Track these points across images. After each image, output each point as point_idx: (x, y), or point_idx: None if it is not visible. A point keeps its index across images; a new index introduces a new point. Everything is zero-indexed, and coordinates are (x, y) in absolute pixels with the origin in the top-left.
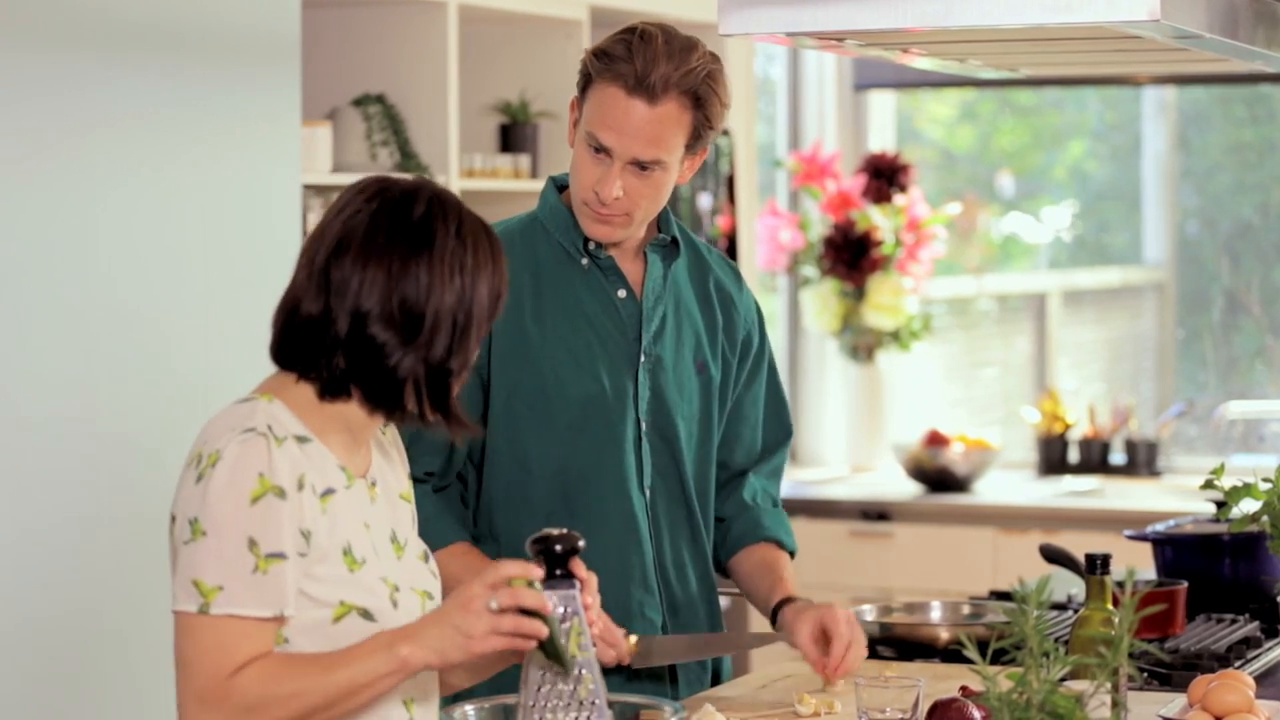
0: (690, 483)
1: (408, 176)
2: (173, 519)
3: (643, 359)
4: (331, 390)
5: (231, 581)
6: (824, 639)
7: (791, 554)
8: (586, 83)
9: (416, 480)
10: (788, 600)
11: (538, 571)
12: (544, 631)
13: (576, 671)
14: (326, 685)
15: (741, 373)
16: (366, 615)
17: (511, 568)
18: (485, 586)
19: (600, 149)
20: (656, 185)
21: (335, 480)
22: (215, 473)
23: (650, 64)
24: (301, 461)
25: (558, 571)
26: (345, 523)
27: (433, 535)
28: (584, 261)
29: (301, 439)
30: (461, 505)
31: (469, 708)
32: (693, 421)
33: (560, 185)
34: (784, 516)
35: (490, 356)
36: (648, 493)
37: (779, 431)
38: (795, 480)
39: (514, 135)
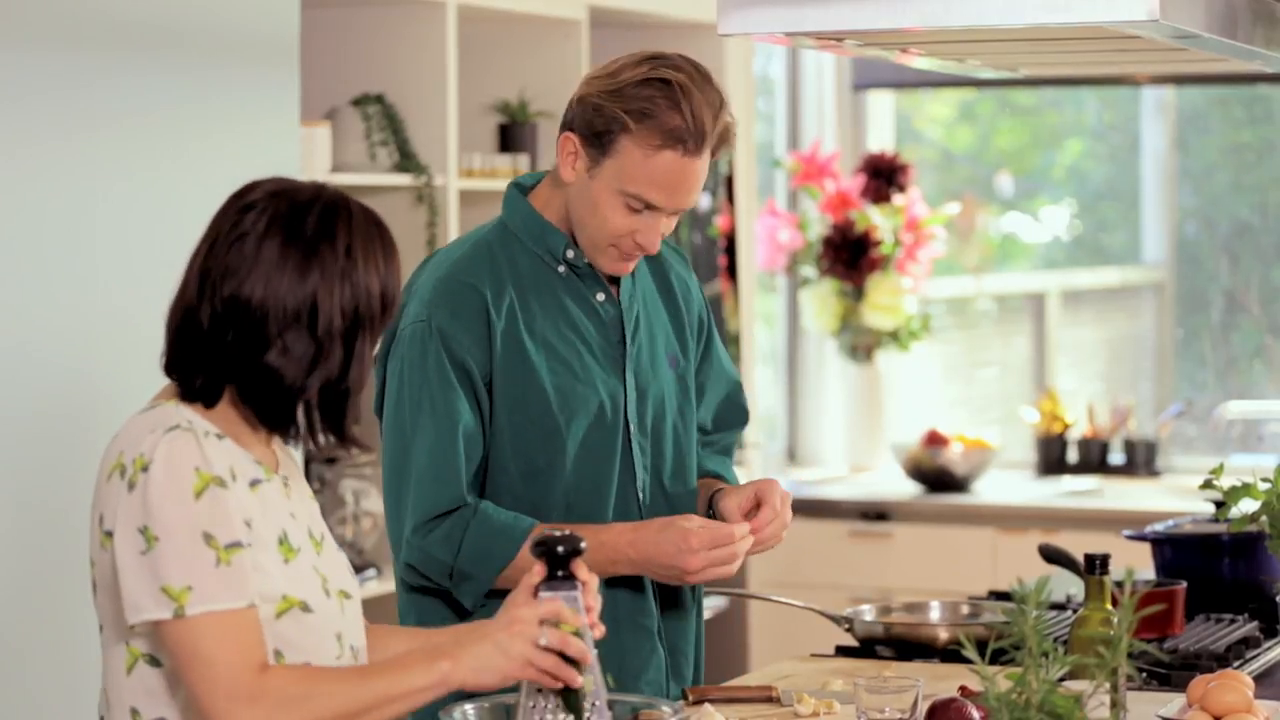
0: (671, 479)
1: (302, 183)
2: (108, 534)
3: (627, 361)
4: (210, 400)
5: (199, 579)
6: (754, 510)
7: None
8: (608, 132)
9: (457, 509)
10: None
11: (584, 620)
12: (578, 681)
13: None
14: (362, 692)
15: (698, 353)
16: (306, 608)
17: (565, 610)
18: (536, 616)
19: (648, 207)
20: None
21: (256, 472)
22: (150, 476)
23: (698, 120)
24: (226, 454)
25: (559, 573)
26: (275, 512)
27: (515, 537)
28: (561, 269)
29: (218, 435)
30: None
31: (468, 707)
32: (676, 417)
33: (524, 188)
34: (730, 466)
35: (493, 371)
36: (641, 493)
37: (734, 414)
38: (794, 480)
39: (513, 135)
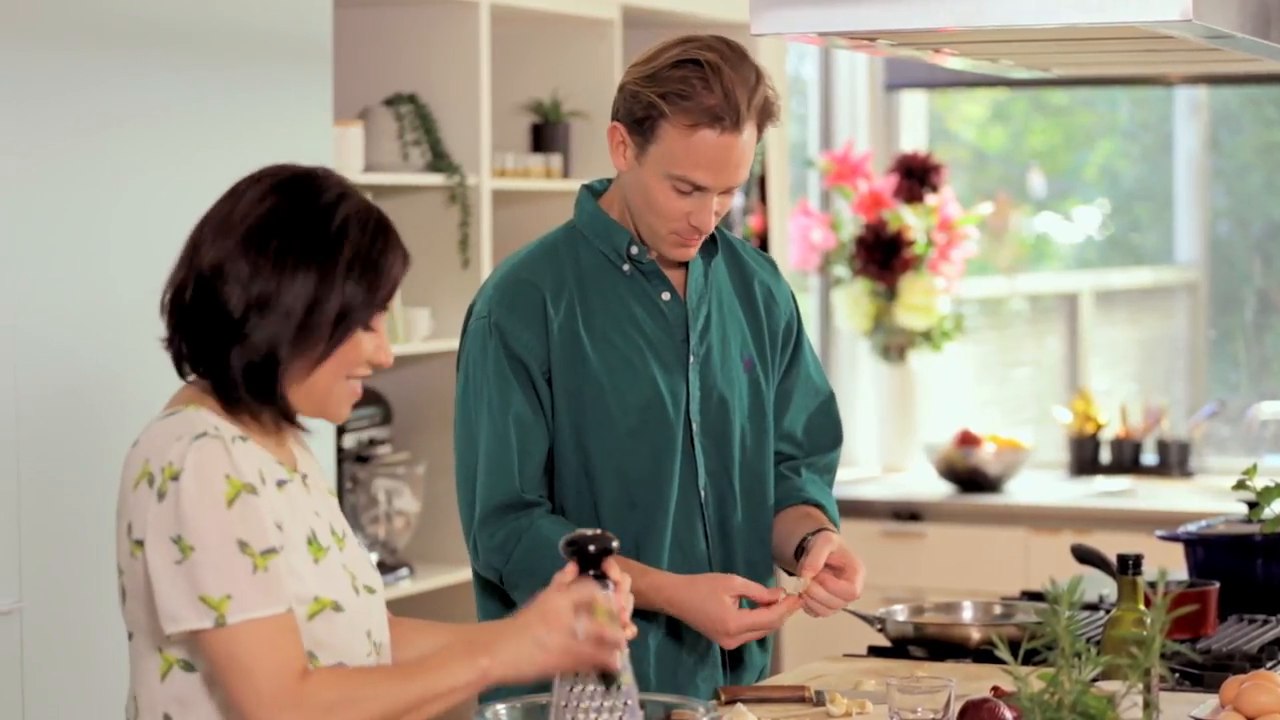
0: (741, 482)
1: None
2: (138, 543)
3: (691, 359)
4: (231, 395)
5: (237, 587)
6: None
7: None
8: (648, 118)
9: (531, 505)
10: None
11: (617, 604)
12: (617, 666)
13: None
14: (403, 692)
15: (783, 362)
16: (337, 608)
17: (599, 593)
18: (571, 605)
19: (696, 188)
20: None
21: (280, 473)
22: (181, 485)
23: (731, 97)
24: (253, 457)
25: (591, 572)
26: (301, 511)
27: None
28: (625, 268)
29: (242, 438)
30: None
31: (500, 707)
32: (745, 419)
33: (595, 192)
34: (828, 489)
35: (551, 365)
36: (703, 493)
37: (828, 426)
38: None
39: (545, 135)
